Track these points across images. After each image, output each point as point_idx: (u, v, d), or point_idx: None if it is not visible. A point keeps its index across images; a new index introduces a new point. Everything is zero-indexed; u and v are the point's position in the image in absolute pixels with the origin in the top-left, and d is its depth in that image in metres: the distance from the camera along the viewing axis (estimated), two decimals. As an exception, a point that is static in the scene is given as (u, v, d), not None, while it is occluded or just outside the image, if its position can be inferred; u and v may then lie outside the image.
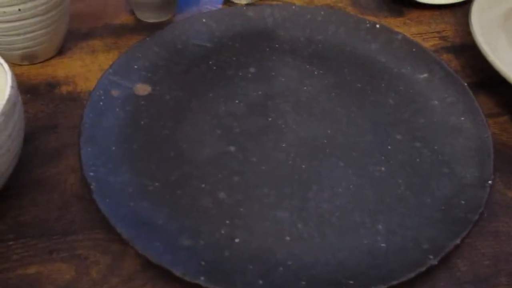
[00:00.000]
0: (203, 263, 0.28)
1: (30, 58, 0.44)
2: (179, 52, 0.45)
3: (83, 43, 0.47)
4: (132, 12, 0.52)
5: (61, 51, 0.46)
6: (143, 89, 0.41)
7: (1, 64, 0.31)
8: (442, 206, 0.32)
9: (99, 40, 0.48)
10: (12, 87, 0.29)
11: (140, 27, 0.50)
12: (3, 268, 0.29)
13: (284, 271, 0.28)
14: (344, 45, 0.47)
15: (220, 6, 0.54)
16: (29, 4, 0.38)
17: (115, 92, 0.40)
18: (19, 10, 0.38)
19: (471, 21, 0.44)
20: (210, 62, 0.44)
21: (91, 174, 0.32)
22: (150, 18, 0.50)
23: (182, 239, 0.30)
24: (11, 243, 0.30)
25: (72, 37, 0.48)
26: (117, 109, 0.39)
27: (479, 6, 0.46)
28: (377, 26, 0.47)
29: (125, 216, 0.30)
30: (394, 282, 0.27)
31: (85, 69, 0.44)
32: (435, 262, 0.28)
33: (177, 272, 0.27)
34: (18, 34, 0.40)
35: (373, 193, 0.33)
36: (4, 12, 0.38)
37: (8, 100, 0.28)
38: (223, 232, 0.31)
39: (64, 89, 0.42)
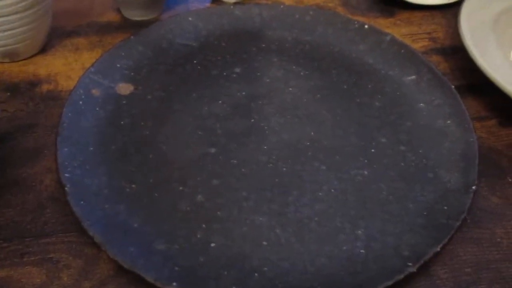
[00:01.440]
0: (176, 268, 0.28)
1: (11, 56, 0.43)
2: (164, 51, 0.44)
3: (66, 41, 0.47)
4: (119, 10, 0.51)
5: (44, 49, 0.45)
6: (125, 88, 0.40)
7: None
8: (424, 212, 0.32)
9: (84, 38, 0.47)
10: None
11: (126, 26, 0.49)
12: (-28, 272, 0.28)
13: (260, 278, 0.28)
14: (332, 46, 0.46)
15: (208, 4, 0.53)
16: (7, 1, 0.38)
17: (96, 92, 0.39)
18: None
19: (460, 24, 0.44)
20: (195, 62, 0.44)
21: (67, 175, 0.32)
22: (136, 16, 0.50)
23: (157, 243, 0.29)
24: (-18, 245, 0.30)
25: (56, 34, 0.47)
26: (97, 109, 0.38)
27: (468, 9, 0.45)
28: (366, 26, 0.46)
29: (100, 219, 0.30)
30: (371, 290, 0.26)
31: (68, 67, 0.44)
32: (413, 269, 0.27)
33: (149, 278, 0.26)
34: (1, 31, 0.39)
35: (355, 198, 0.33)
36: (-17, 9, 0.37)
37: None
38: (199, 236, 0.30)
39: (45, 87, 0.41)
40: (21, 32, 0.41)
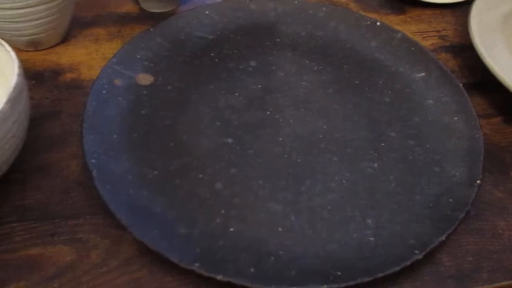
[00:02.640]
0: (198, 250, 0.30)
1: (35, 45, 0.44)
2: (181, 43, 0.46)
3: (86, 31, 0.48)
4: (137, 2, 0.52)
5: (65, 39, 0.47)
6: (145, 79, 0.42)
7: (8, 52, 0.32)
8: (430, 204, 0.34)
9: (103, 29, 0.49)
10: (19, 74, 0.30)
11: (144, 17, 0.51)
12: (6, 249, 0.30)
13: (275, 261, 0.30)
14: (344, 42, 0.47)
15: (223, -3, 0.54)
16: (36, -8, 0.39)
17: (118, 81, 0.41)
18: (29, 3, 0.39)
19: (469, 23, 0.45)
20: (212, 54, 0.45)
21: (93, 161, 0.33)
22: (154, 8, 0.51)
23: (179, 227, 0.31)
24: (14, 225, 0.32)
25: (77, 24, 0.48)
26: (120, 98, 0.40)
27: (478, 8, 0.46)
28: (378, 23, 0.48)
29: (125, 203, 0.32)
30: (380, 275, 0.28)
31: (89, 57, 0.45)
32: (420, 256, 0.29)
33: (173, 258, 0.28)
34: (25, 21, 0.41)
35: (365, 189, 0.35)
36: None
37: (15, 88, 0.29)
38: (218, 221, 0.32)
39: (68, 76, 0.43)
40: (46, 22, 0.42)
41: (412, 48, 0.45)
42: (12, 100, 0.29)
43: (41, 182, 0.34)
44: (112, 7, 0.52)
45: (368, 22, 0.48)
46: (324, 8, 0.50)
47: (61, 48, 0.46)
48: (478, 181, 0.34)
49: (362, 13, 0.53)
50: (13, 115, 0.29)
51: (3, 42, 0.32)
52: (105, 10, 0.51)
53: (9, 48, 0.32)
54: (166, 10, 0.52)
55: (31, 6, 0.40)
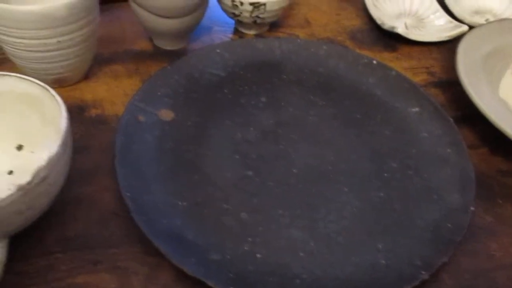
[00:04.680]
0: (231, 275, 0.33)
1: (60, 82, 0.47)
2: (196, 80, 0.50)
3: (106, 67, 0.52)
4: (150, 39, 0.56)
5: (86, 75, 0.50)
6: (167, 114, 0.46)
7: (54, 96, 0.35)
8: (431, 228, 0.38)
9: (121, 65, 0.52)
10: (67, 118, 0.33)
11: (158, 54, 0.54)
12: (55, 278, 0.33)
13: (301, 283, 0.33)
14: (344, 78, 0.52)
15: (230, 35, 0.59)
16: (67, 37, 0.43)
17: (141, 118, 0.44)
18: (58, 41, 0.42)
19: (456, 62, 0.50)
20: (225, 91, 0.49)
21: (128, 194, 0.36)
22: (166, 45, 0.55)
23: (211, 253, 0.34)
24: (59, 255, 0.34)
25: (96, 61, 0.51)
26: (145, 134, 0.43)
27: (463, 49, 0.52)
28: (374, 62, 0.53)
29: (160, 232, 0.35)
30: (393, 294, 0.32)
31: (111, 93, 0.49)
32: (426, 276, 0.33)
33: (210, 283, 0.31)
34: (55, 62, 0.44)
35: (373, 216, 0.39)
36: (45, 43, 0.42)
37: (66, 131, 0.32)
38: (246, 248, 0.35)
39: (93, 112, 0.46)
40: (73, 62, 0.46)
41: (406, 85, 0.50)
42: (64, 142, 0.32)
43: (79, 213, 0.37)
44: (128, 44, 0.55)
45: (365, 61, 0.53)
46: (324, 47, 0.54)
47: (84, 84, 0.49)
48: (472, 208, 0.38)
49: (358, 50, 0.58)
50: (64, 155, 0.32)
51: (48, 87, 0.36)
52: (122, 47, 0.55)
53: (53, 92, 0.35)
54: (178, 48, 0.55)
55: (62, 49, 0.43)
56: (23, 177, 0.38)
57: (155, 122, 0.44)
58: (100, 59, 0.52)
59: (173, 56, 0.54)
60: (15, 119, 0.39)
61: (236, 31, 0.60)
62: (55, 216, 0.37)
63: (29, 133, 0.39)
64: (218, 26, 0.60)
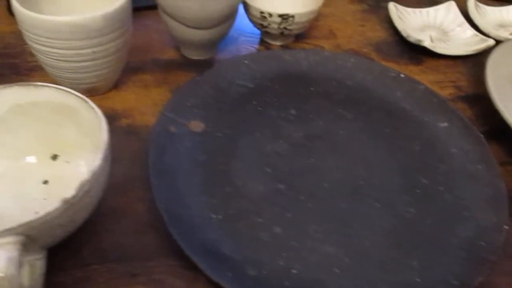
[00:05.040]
0: (267, 290, 0.33)
1: (90, 91, 0.48)
2: (225, 91, 0.50)
3: (135, 77, 0.52)
4: (177, 48, 0.56)
5: (116, 85, 0.50)
6: (197, 126, 0.46)
7: (92, 108, 0.35)
8: (465, 246, 0.38)
9: (150, 75, 0.52)
10: (107, 130, 0.33)
11: (186, 64, 0.55)
12: (93, 289, 0.33)
13: (337, 300, 0.33)
14: (372, 91, 0.52)
15: (256, 46, 0.59)
16: (102, 47, 0.43)
17: (173, 129, 0.44)
18: (93, 52, 0.43)
19: (486, 76, 0.50)
20: (254, 103, 0.49)
21: (163, 206, 0.37)
22: (194, 55, 0.55)
23: (247, 268, 0.34)
24: (96, 266, 0.35)
25: (124, 70, 0.52)
26: (177, 145, 0.43)
27: (493, 64, 0.51)
28: (402, 75, 0.53)
29: (196, 246, 0.35)
30: (430, 313, 0.32)
31: (140, 103, 0.49)
32: (463, 296, 0.33)
33: (248, 299, 0.32)
34: (88, 72, 0.45)
35: (406, 232, 0.39)
36: (80, 54, 0.42)
37: (107, 144, 0.32)
38: (281, 263, 0.35)
39: (124, 122, 0.46)
40: (105, 72, 0.46)
41: (435, 100, 0.50)
42: (105, 155, 0.32)
43: (113, 225, 0.37)
44: (155, 53, 0.56)
45: (393, 74, 0.53)
46: (351, 59, 0.54)
47: (114, 94, 0.49)
48: (506, 227, 0.38)
49: (383, 62, 0.58)
50: (105, 168, 0.32)
51: (86, 99, 0.36)
52: (149, 56, 0.55)
53: (93, 105, 0.35)
54: (205, 58, 0.56)
55: (96, 59, 0.44)
56: (59, 187, 0.39)
57: (186, 134, 0.44)
58: (129, 68, 0.52)
59: (200, 65, 0.55)
60: (51, 129, 0.39)
61: (262, 42, 0.60)
62: (90, 227, 0.37)
63: (64, 143, 0.39)
64: (244, 36, 0.60)
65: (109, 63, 0.45)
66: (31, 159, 0.39)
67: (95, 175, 0.31)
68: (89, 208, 0.33)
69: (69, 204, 0.29)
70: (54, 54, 0.42)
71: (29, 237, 0.29)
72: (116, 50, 0.44)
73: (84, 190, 0.30)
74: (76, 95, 0.36)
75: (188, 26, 0.50)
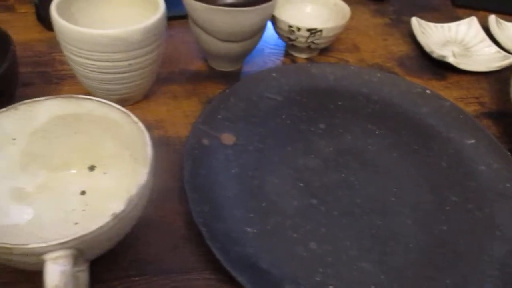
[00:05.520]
0: (307, 306, 0.34)
1: (122, 102, 0.48)
2: (254, 104, 0.50)
3: (164, 87, 0.52)
4: (204, 59, 0.57)
5: (147, 95, 0.51)
6: (228, 138, 0.46)
7: (136, 123, 0.36)
8: (497, 265, 0.38)
9: (179, 86, 0.53)
10: (152, 146, 0.34)
11: (214, 75, 0.55)
12: (134, 301, 0.34)
13: (375, 318, 0.34)
14: (398, 107, 0.53)
15: (282, 58, 0.60)
16: (138, 59, 0.43)
17: (205, 141, 0.45)
18: (130, 64, 0.43)
19: (511, 94, 0.51)
20: (283, 116, 0.50)
21: (200, 220, 0.37)
22: (222, 67, 0.56)
23: (285, 284, 0.35)
24: (135, 278, 0.35)
25: (154, 80, 0.52)
26: (210, 158, 0.44)
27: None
28: (427, 91, 0.53)
29: (235, 260, 0.35)
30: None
31: (171, 114, 0.49)
32: (499, 316, 0.34)
33: (290, 315, 0.32)
34: (123, 83, 0.45)
35: (439, 250, 0.39)
36: (117, 66, 0.43)
37: (152, 158, 0.33)
38: (318, 279, 0.36)
39: (156, 133, 0.47)
40: (139, 83, 0.46)
41: (461, 116, 0.51)
42: (151, 169, 0.33)
43: (151, 237, 0.38)
44: (183, 64, 0.56)
45: (419, 90, 0.54)
46: (377, 74, 0.55)
47: (145, 104, 0.50)
48: (538, 246, 0.39)
49: (407, 77, 0.59)
50: (150, 182, 0.33)
51: (129, 113, 0.36)
52: (177, 67, 0.56)
53: (136, 119, 0.36)
54: (233, 69, 0.56)
55: (132, 71, 0.44)
56: (96, 198, 0.39)
57: (218, 146, 0.45)
58: (158, 78, 0.53)
59: (228, 77, 0.55)
60: (89, 140, 0.40)
61: (287, 54, 0.60)
62: (130, 239, 0.37)
63: (102, 154, 0.40)
64: (270, 48, 0.61)
65: (144, 74, 0.46)
66: (69, 169, 0.40)
67: (142, 190, 0.31)
68: (134, 221, 0.33)
69: (118, 219, 0.30)
70: (91, 66, 0.43)
71: (79, 250, 0.29)
72: (151, 62, 0.45)
73: (133, 204, 0.31)
74: (119, 109, 0.37)
75: (219, 39, 0.50)
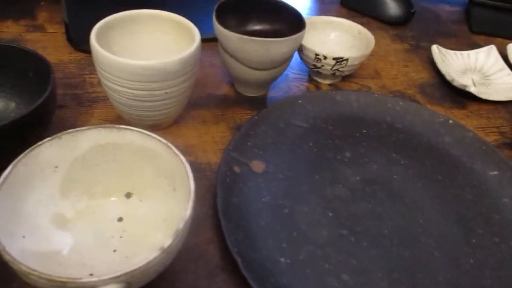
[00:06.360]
0: None
1: (154, 127, 0.49)
2: (282, 131, 0.51)
3: (193, 112, 0.54)
4: (231, 84, 0.58)
5: (176, 120, 0.52)
6: (258, 166, 0.47)
7: (177, 155, 0.37)
8: (524, 300, 0.39)
9: (207, 111, 0.54)
10: (193, 179, 0.35)
11: (241, 100, 0.56)
12: (174, 331, 0.35)
13: None
14: (422, 136, 0.54)
15: (305, 83, 0.61)
16: (174, 88, 0.45)
17: (237, 169, 0.46)
18: (166, 93, 0.44)
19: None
20: (310, 144, 0.51)
21: (235, 249, 0.38)
22: (249, 92, 0.57)
23: (320, 316, 0.36)
24: (174, 307, 0.36)
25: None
26: (241, 185, 0.45)
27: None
28: (450, 121, 0.54)
29: (269, 291, 0.36)
30: None
31: (201, 139, 0.50)
32: None
33: None
34: (158, 110, 0.46)
35: (467, 283, 0.40)
36: (153, 94, 0.44)
37: (195, 191, 0.34)
38: (351, 311, 0.37)
39: (187, 159, 0.47)
40: (172, 110, 0.48)
41: (483, 148, 0.52)
42: (194, 203, 0.34)
43: (186, 265, 0.39)
44: (210, 88, 0.57)
45: (441, 119, 0.55)
46: (400, 103, 0.56)
47: (174, 129, 0.51)
48: None
49: (429, 105, 0.60)
50: (193, 214, 0.34)
51: (170, 145, 0.37)
52: (205, 91, 0.57)
53: (177, 151, 0.37)
54: (259, 95, 0.57)
55: (167, 99, 0.45)
56: (132, 225, 0.40)
57: (248, 174, 0.46)
58: (187, 103, 0.54)
59: (254, 102, 0.56)
60: (127, 168, 0.41)
61: (310, 79, 0.62)
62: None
63: (139, 182, 0.41)
64: (293, 72, 0.62)
65: (178, 102, 0.47)
66: (107, 196, 0.41)
67: (187, 223, 0.32)
68: (177, 253, 0.34)
69: (166, 253, 0.31)
70: (128, 94, 0.44)
71: (128, 283, 0.30)
72: (186, 89, 0.46)
73: (179, 238, 0.32)
74: (159, 140, 0.38)
75: (248, 67, 0.52)
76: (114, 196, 0.41)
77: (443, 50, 0.67)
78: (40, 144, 0.37)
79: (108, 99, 0.48)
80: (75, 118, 0.51)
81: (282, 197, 0.45)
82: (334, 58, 0.55)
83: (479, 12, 0.79)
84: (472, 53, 0.68)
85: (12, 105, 0.48)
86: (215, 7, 0.52)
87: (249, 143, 0.49)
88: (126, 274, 0.29)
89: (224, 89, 0.58)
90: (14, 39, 0.60)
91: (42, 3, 0.69)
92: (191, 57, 0.44)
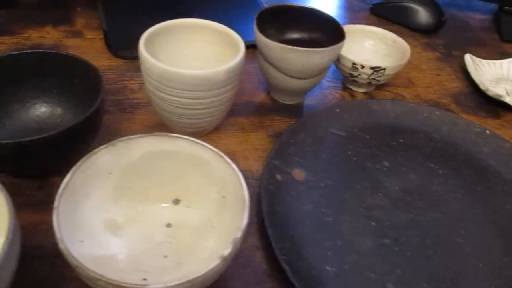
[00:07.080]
0: None
1: (196, 134, 0.50)
2: (320, 139, 0.52)
3: (232, 119, 0.54)
4: (267, 91, 0.59)
5: (216, 127, 0.53)
6: (299, 174, 0.48)
7: (229, 164, 0.38)
8: None
9: (245, 118, 0.55)
10: (246, 188, 0.36)
11: (278, 108, 0.57)
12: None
13: None
14: (459, 146, 0.54)
15: (339, 91, 0.62)
16: (220, 97, 0.46)
17: (279, 177, 0.46)
18: (212, 101, 0.45)
19: None
20: (349, 152, 0.51)
21: (283, 257, 0.39)
22: (285, 100, 0.58)
23: (369, 325, 0.36)
24: (225, 313, 0.37)
25: (224, 113, 0.54)
26: (284, 193, 0.45)
27: None
28: (487, 132, 0.55)
29: (319, 299, 0.37)
30: None
31: (241, 147, 0.51)
32: None
33: None
34: (202, 118, 0.47)
35: (512, 296, 0.40)
36: (200, 103, 0.45)
37: (249, 202, 0.35)
38: (399, 321, 0.37)
39: (230, 166, 0.49)
40: (216, 118, 0.48)
41: (521, 158, 0.52)
42: (249, 213, 0.34)
43: (234, 271, 0.40)
44: (247, 96, 0.58)
45: (478, 130, 0.55)
46: (437, 112, 0.57)
47: (215, 136, 0.52)
48: None
49: (463, 115, 0.60)
50: (248, 218, 0.35)
51: (222, 154, 0.38)
52: (242, 99, 0.58)
53: (229, 160, 0.38)
54: (295, 102, 0.58)
55: (213, 107, 0.46)
56: (181, 231, 0.41)
57: (290, 182, 0.47)
58: (225, 110, 0.55)
59: (291, 110, 0.57)
60: (176, 175, 0.41)
61: (344, 87, 0.62)
62: (216, 273, 0.39)
63: (187, 189, 0.42)
64: (328, 80, 0.63)
65: (221, 110, 0.48)
66: (156, 202, 0.42)
67: (244, 232, 0.33)
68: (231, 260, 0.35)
69: (225, 261, 0.32)
70: (174, 102, 0.45)
71: (188, 290, 0.31)
72: (229, 98, 0.47)
73: (237, 247, 0.33)
74: (211, 149, 0.39)
75: (287, 75, 0.52)
76: (163, 202, 0.42)
77: (476, 59, 0.68)
78: (96, 152, 0.38)
79: (149, 105, 0.49)
80: (118, 124, 0.52)
81: (324, 205, 0.45)
82: (371, 68, 0.56)
83: (509, 20, 0.79)
84: (504, 62, 0.69)
85: (59, 110, 0.50)
86: (256, 15, 0.52)
87: (289, 151, 0.49)
88: (189, 281, 0.30)
89: (260, 97, 0.58)
90: (55, 44, 0.62)
91: (79, 8, 0.70)
92: (237, 67, 0.45)
